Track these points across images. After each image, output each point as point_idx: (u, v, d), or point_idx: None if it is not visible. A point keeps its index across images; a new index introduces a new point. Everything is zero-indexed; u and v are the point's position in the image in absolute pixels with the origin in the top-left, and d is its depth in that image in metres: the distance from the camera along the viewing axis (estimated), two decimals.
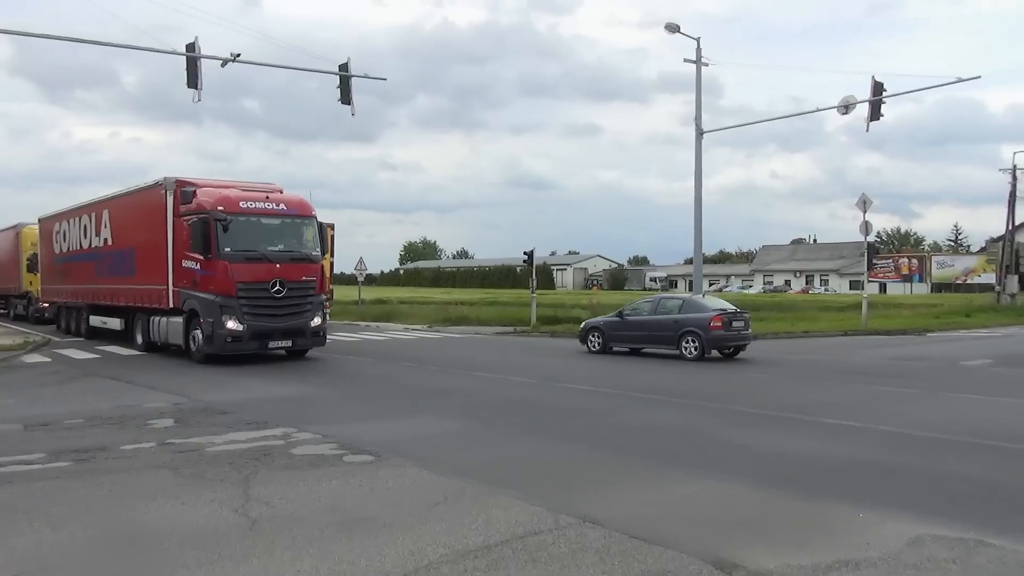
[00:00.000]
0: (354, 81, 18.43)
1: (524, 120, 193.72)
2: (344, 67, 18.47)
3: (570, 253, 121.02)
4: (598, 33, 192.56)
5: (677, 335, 16.82)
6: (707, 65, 24.84)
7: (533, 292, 28.88)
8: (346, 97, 18.31)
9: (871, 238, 27.73)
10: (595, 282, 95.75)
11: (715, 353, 16.81)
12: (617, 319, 18.27)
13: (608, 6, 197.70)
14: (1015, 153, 71.32)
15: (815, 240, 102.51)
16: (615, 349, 18.21)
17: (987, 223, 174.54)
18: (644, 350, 17.98)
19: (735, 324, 16.85)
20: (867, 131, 21.25)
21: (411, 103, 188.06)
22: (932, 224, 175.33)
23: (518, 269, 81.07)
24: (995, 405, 10.85)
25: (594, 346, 18.32)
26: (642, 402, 10.87)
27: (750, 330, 17.60)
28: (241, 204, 14.56)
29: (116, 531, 5.34)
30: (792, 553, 4.93)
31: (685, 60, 24.92)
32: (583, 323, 19.68)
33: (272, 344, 14.55)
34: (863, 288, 28.83)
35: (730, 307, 17.57)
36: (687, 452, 7.80)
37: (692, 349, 16.59)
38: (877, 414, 9.94)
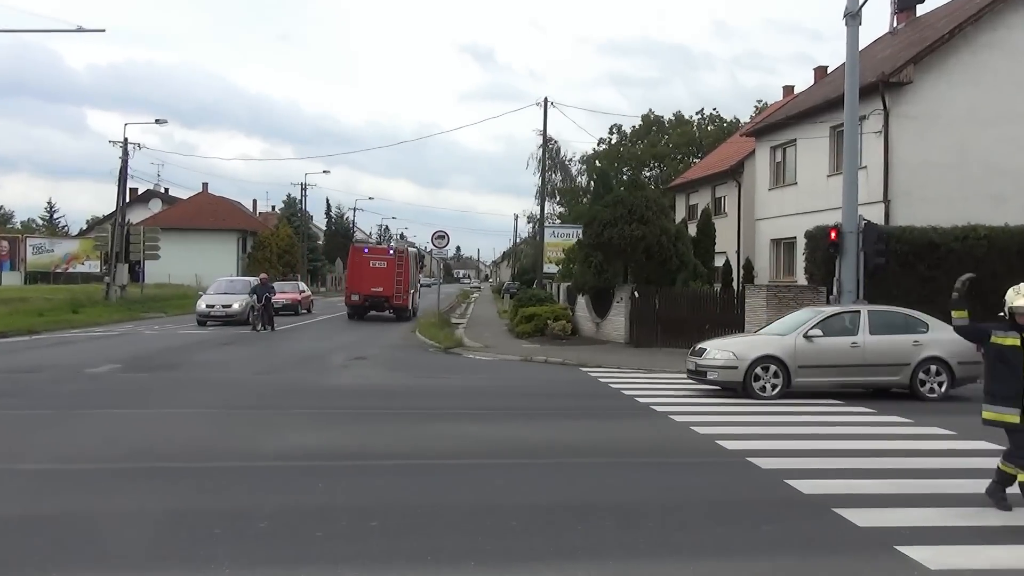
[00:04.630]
0: None
1: None
2: None
3: None
4: None
5: None
6: None
7: None
8: None
9: None
10: None
11: None
12: None
13: None
14: (127, 124, 79.69)
15: None
16: None
17: (78, 200, 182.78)
18: None
19: None
20: None
21: None
22: (12, 197, 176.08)
23: None
24: (148, 418, 11.94)
25: None
26: None
27: None
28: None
29: None
30: None
31: None
32: None
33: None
34: None
35: None
36: None
37: None
38: (12, 448, 9.60)
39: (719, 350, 15.10)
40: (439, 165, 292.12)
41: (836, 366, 14.89)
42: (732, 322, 21.91)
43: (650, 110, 68.66)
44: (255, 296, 30.02)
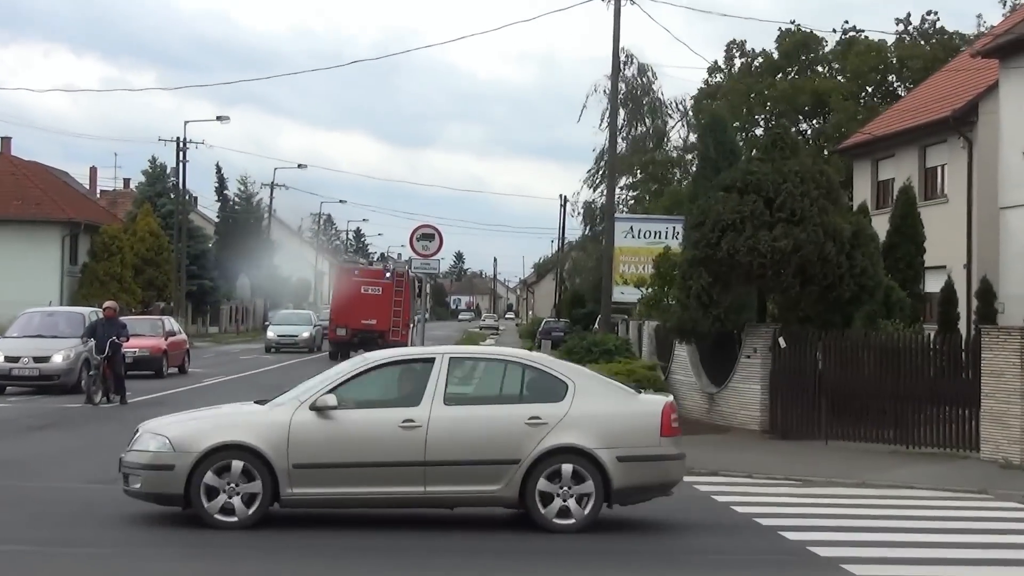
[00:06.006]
0: None
1: None
2: None
3: None
4: None
5: None
6: None
7: None
8: None
9: None
10: None
11: None
12: None
13: None
14: None
15: None
16: None
17: None
18: None
19: None
20: None
21: None
22: None
23: None
24: None
25: None
26: None
27: None
28: None
29: None
30: None
31: None
32: None
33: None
34: None
35: None
36: None
37: None
38: None
39: (153, 435, 14.64)
40: (421, 107, 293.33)
41: (368, 465, 13.91)
42: (959, 392, 21.80)
43: (794, 24, 64.94)
44: (93, 342, 30.21)
